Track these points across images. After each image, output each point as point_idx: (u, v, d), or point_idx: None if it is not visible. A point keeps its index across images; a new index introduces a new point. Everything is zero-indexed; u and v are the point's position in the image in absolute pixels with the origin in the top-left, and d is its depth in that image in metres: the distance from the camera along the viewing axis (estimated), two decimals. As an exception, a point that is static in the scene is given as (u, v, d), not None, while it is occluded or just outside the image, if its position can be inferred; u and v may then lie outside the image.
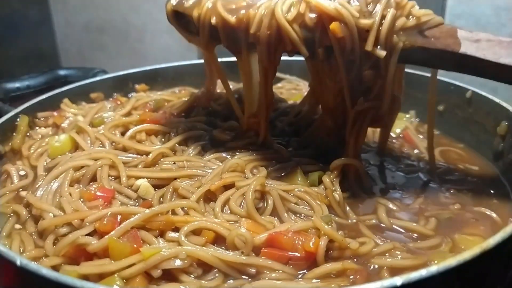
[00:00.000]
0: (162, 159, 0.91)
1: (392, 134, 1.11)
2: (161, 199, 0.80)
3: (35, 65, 1.97)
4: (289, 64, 1.39)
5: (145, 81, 1.35)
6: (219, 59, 1.40)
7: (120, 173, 0.85)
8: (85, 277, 0.64)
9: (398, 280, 0.50)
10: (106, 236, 0.68)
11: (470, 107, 1.10)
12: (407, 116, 1.23)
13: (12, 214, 0.83)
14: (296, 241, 0.69)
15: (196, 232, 0.71)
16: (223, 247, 0.70)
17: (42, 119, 1.13)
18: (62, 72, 1.43)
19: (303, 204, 0.80)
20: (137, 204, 0.80)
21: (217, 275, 0.67)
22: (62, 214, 0.76)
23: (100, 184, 0.83)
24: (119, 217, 0.71)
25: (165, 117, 1.09)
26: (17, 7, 2.14)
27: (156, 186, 0.84)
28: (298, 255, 0.68)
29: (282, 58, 1.39)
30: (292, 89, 1.31)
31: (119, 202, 0.80)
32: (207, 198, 0.80)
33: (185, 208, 0.76)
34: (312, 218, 0.74)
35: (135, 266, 0.64)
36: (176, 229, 0.71)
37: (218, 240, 0.71)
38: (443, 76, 1.16)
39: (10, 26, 2.12)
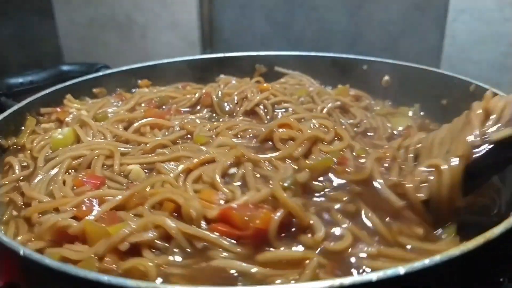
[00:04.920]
0: (160, 149, 0.91)
1: (394, 132, 1.10)
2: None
3: (38, 61, 1.98)
4: (287, 60, 1.40)
5: (148, 76, 1.35)
6: (219, 55, 1.43)
7: (114, 160, 0.86)
8: (67, 259, 0.65)
9: (401, 269, 0.50)
10: (84, 219, 0.68)
11: (473, 101, 1.09)
12: (411, 111, 1.23)
13: (9, 203, 0.84)
14: (246, 217, 0.65)
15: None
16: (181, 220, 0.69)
17: (45, 116, 1.13)
18: (65, 68, 1.43)
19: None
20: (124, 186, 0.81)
21: (175, 250, 0.66)
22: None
23: (89, 171, 0.83)
24: (96, 201, 0.73)
25: (169, 113, 1.09)
26: (20, 4, 2.15)
27: (149, 171, 0.85)
28: (247, 232, 0.65)
29: (281, 53, 1.42)
30: (296, 84, 1.30)
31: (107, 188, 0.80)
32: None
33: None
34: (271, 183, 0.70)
35: (102, 242, 0.64)
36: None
37: (178, 210, 0.70)
38: (446, 69, 1.16)
39: (13, 23, 2.12)
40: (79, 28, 2.40)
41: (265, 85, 1.21)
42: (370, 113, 1.18)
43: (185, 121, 1.04)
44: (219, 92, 1.15)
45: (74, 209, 0.71)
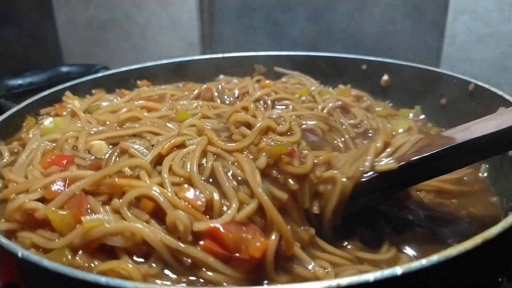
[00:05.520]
0: (129, 124, 0.91)
1: (394, 134, 1.09)
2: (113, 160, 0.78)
3: (38, 62, 1.98)
4: (287, 60, 1.40)
5: (148, 77, 1.35)
6: (219, 55, 1.43)
7: (79, 139, 0.85)
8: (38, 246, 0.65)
9: (399, 269, 0.50)
10: (46, 206, 0.67)
11: (472, 100, 1.09)
12: (412, 113, 1.23)
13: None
14: (240, 241, 0.63)
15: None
16: (163, 225, 0.66)
17: (44, 116, 1.13)
18: (64, 69, 1.44)
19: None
20: (88, 163, 0.79)
21: (154, 264, 0.64)
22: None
23: (56, 152, 0.82)
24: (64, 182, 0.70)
25: (164, 101, 1.09)
26: (20, 4, 2.15)
27: (114, 145, 0.83)
28: (242, 257, 0.63)
29: (281, 53, 1.42)
30: (297, 83, 1.30)
31: (75, 168, 0.78)
32: (157, 161, 0.76)
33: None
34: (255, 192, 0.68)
35: (76, 238, 0.63)
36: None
37: (158, 211, 0.67)
38: (446, 69, 1.16)
39: (13, 23, 2.12)
40: (78, 29, 2.40)
41: (267, 82, 1.21)
42: (371, 114, 1.17)
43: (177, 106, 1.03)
44: (220, 86, 1.15)
45: (42, 190, 0.70)
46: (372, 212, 0.84)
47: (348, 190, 0.75)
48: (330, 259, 0.73)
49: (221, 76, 1.38)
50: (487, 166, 0.99)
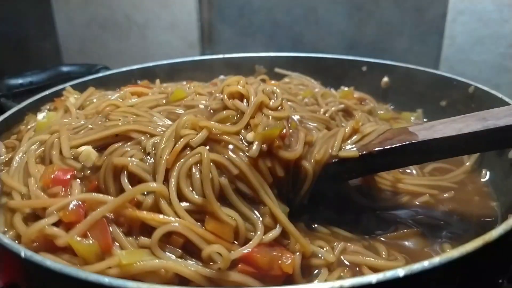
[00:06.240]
0: (111, 120, 0.89)
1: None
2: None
3: (38, 62, 1.98)
4: (287, 61, 1.40)
5: (148, 77, 1.35)
6: (219, 56, 1.43)
7: (62, 145, 0.81)
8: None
9: (401, 271, 0.51)
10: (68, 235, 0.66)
11: (472, 102, 1.09)
12: (414, 116, 1.23)
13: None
14: (272, 260, 0.66)
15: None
16: (195, 255, 0.67)
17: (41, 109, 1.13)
18: (65, 69, 1.43)
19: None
20: (82, 174, 0.77)
21: None
22: (29, 193, 0.75)
23: (56, 166, 0.78)
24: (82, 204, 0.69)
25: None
26: (20, 4, 2.15)
27: (101, 148, 0.81)
28: (275, 273, 0.66)
29: (281, 54, 1.43)
30: (300, 84, 1.29)
31: (79, 182, 0.76)
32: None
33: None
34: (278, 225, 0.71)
35: (111, 270, 0.63)
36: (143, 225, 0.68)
37: (188, 243, 0.67)
38: (446, 71, 1.16)
39: (13, 23, 2.12)
40: (78, 29, 2.40)
41: (272, 82, 1.21)
42: (373, 118, 1.17)
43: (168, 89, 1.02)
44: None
45: (59, 212, 0.68)
46: (352, 206, 0.87)
47: (316, 173, 0.79)
48: (323, 237, 0.79)
49: (221, 77, 1.38)
50: (488, 171, 0.99)
